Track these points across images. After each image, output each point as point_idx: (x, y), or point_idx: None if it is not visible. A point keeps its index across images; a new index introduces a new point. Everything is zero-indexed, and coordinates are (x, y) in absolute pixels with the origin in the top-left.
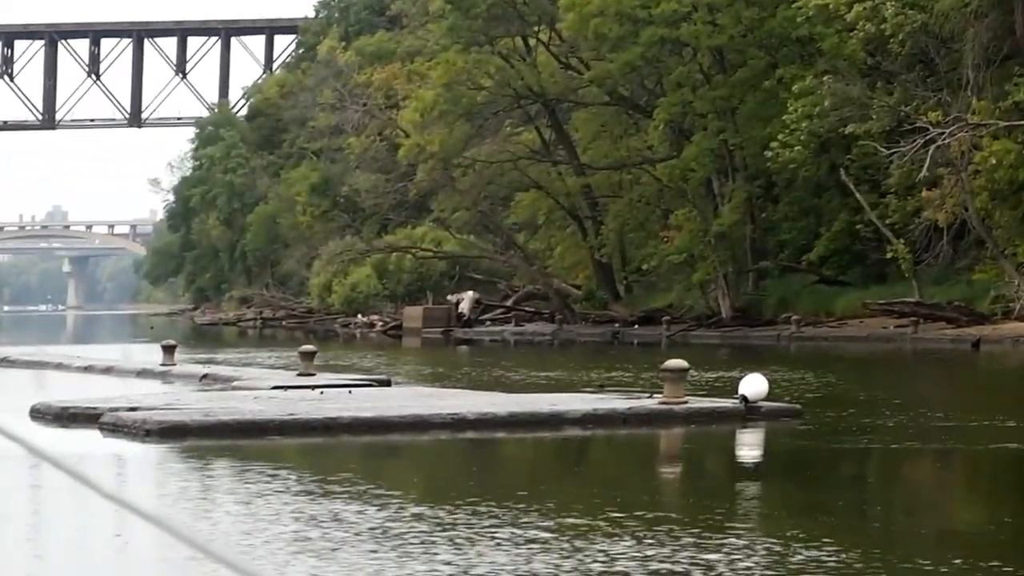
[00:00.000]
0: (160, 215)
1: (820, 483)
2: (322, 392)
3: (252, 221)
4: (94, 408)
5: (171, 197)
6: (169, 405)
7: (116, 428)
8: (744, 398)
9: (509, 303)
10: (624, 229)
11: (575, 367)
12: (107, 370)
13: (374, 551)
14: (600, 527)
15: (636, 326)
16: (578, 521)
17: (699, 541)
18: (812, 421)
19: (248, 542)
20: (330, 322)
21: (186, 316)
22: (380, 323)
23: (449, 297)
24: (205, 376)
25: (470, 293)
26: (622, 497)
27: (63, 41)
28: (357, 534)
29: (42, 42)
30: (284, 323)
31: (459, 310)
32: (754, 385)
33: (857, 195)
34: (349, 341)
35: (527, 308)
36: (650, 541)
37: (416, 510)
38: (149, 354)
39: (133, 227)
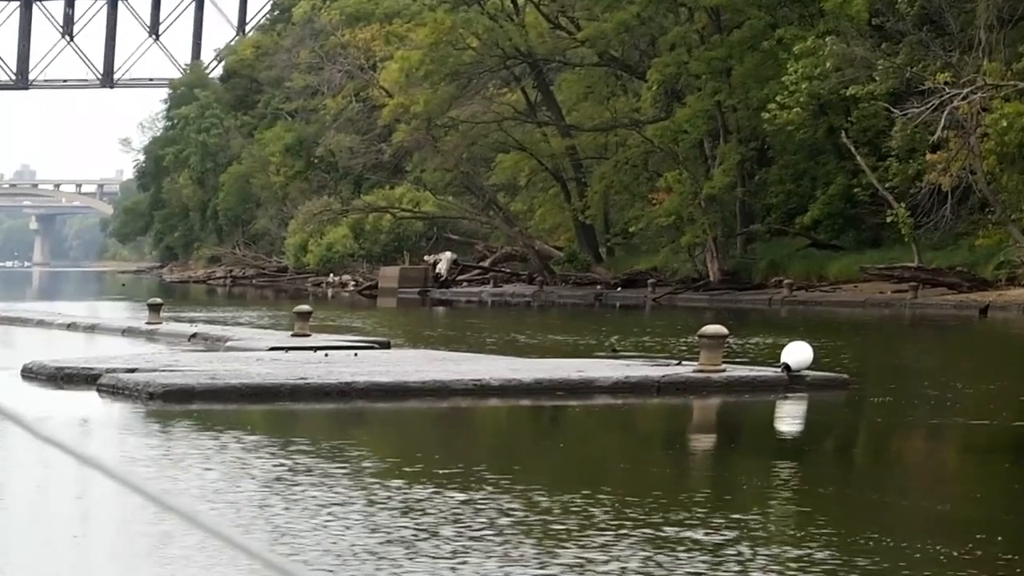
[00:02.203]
0: (127, 175)
1: (876, 464)
2: (326, 355)
3: (225, 180)
4: (90, 368)
5: (141, 157)
6: (169, 367)
7: (116, 390)
8: (786, 367)
9: (486, 264)
10: (609, 191)
11: (574, 330)
12: (91, 328)
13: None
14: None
15: (619, 289)
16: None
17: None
18: (858, 392)
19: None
20: (301, 281)
21: (154, 274)
22: (353, 283)
23: (426, 258)
24: (194, 335)
25: (448, 254)
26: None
27: (38, 3)
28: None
29: (17, 3)
30: (254, 282)
31: (436, 271)
32: (798, 353)
33: (858, 157)
34: (321, 300)
35: (504, 269)
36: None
37: (461, 496)
38: (129, 311)
39: (100, 186)
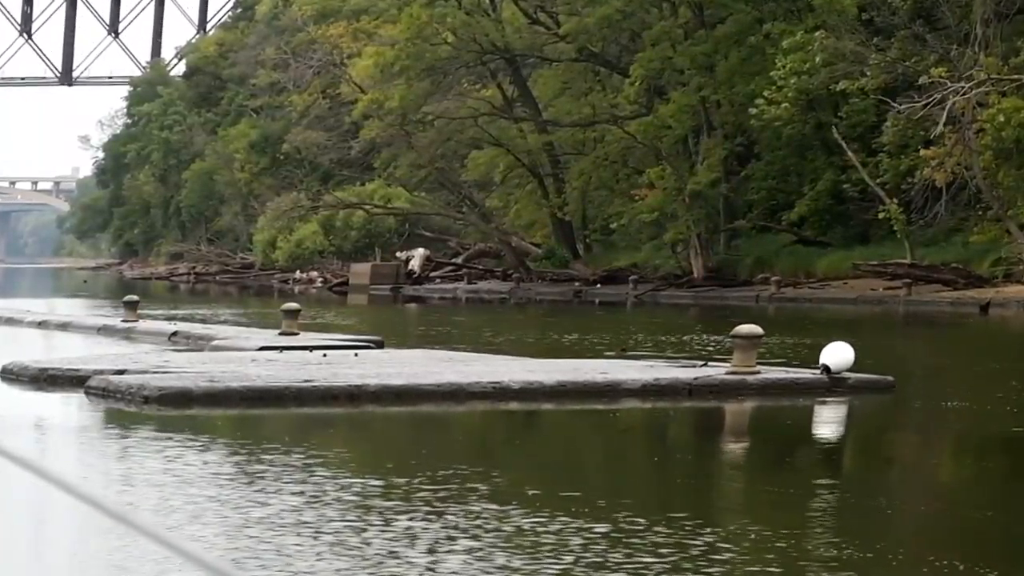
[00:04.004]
0: (83, 173)
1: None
2: (325, 354)
3: (188, 177)
4: (76, 370)
5: (101, 154)
6: (160, 368)
7: (107, 393)
8: (826, 368)
9: (460, 260)
10: (588, 188)
11: (566, 328)
12: (64, 326)
13: None
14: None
15: (598, 285)
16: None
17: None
18: (902, 396)
19: None
20: (266, 278)
21: (112, 270)
22: (320, 279)
23: (399, 254)
24: (175, 334)
25: (421, 250)
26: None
27: None
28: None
29: None
30: (217, 278)
31: (409, 267)
32: (838, 353)
33: (849, 153)
34: (288, 297)
35: (478, 266)
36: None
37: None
38: (99, 309)
39: (57, 184)
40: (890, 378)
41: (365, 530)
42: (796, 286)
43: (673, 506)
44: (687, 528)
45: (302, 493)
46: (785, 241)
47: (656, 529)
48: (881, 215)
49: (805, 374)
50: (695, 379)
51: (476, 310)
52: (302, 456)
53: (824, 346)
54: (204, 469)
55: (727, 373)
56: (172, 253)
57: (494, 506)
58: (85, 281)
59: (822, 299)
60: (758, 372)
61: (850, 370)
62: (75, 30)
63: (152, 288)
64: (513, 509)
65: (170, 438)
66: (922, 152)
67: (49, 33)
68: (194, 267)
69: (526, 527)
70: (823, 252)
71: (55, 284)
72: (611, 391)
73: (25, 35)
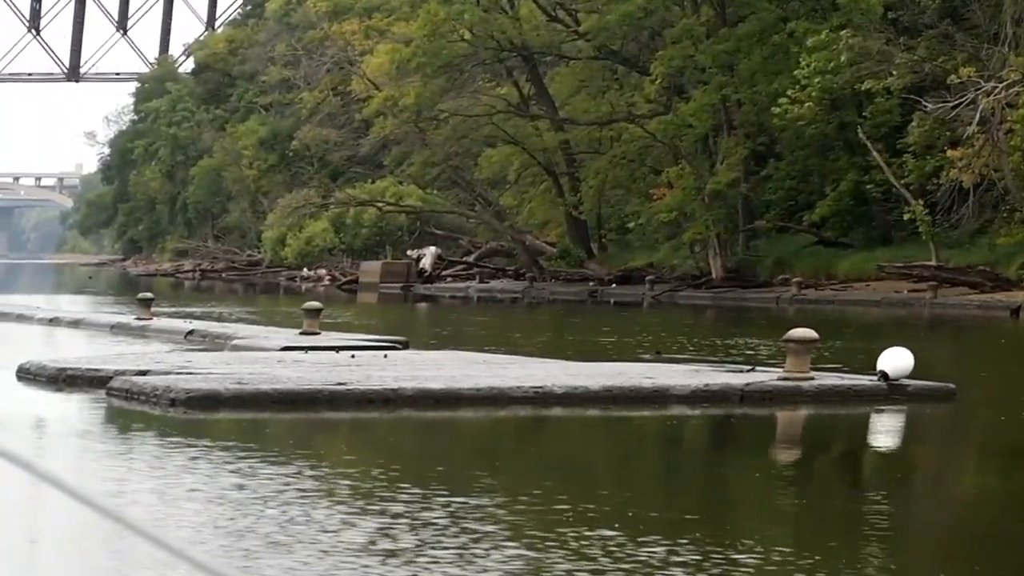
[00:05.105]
0: (87, 169)
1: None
2: (352, 355)
3: (196, 174)
4: (96, 370)
5: (107, 150)
6: (183, 368)
7: (130, 395)
8: (884, 374)
9: (471, 259)
10: (604, 187)
11: (590, 329)
12: (75, 323)
13: None
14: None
15: (613, 285)
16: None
17: None
18: (964, 404)
19: None
20: (272, 275)
21: (116, 267)
22: (328, 277)
23: (409, 252)
24: (191, 332)
25: (432, 248)
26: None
27: None
28: None
29: None
30: (223, 275)
31: (420, 266)
32: (896, 359)
33: (875, 153)
34: (295, 295)
35: (489, 265)
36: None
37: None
38: (108, 305)
39: (60, 180)
40: (951, 386)
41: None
42: (817, 288)
43: (746, 526)
44: (753, 547)
45: (388, 513)
46: (805, 242)
47: (728, 553)
48: (906, 216)
49: (862, 380)
50: (746, 385)
51: (491, 310)
52: (372, 468)
53: (881, 352)
54: (269, 485)
55: (780, 378)
56: (177, 250)
57: (584, 529)
58: (90, 277)
59: (845, 301)
60: (812, 378)
61: (908, 377)
62: (83, 26)
63: (156, 285)
64: (613, 535)
65: (211, 447)
66: (949, 153)
67: (57, 29)
68: (199, 264)
69: (632, 555)
70: (844, 253)
71: (59, 280)
72: (659, 397)
73: (33, 31)
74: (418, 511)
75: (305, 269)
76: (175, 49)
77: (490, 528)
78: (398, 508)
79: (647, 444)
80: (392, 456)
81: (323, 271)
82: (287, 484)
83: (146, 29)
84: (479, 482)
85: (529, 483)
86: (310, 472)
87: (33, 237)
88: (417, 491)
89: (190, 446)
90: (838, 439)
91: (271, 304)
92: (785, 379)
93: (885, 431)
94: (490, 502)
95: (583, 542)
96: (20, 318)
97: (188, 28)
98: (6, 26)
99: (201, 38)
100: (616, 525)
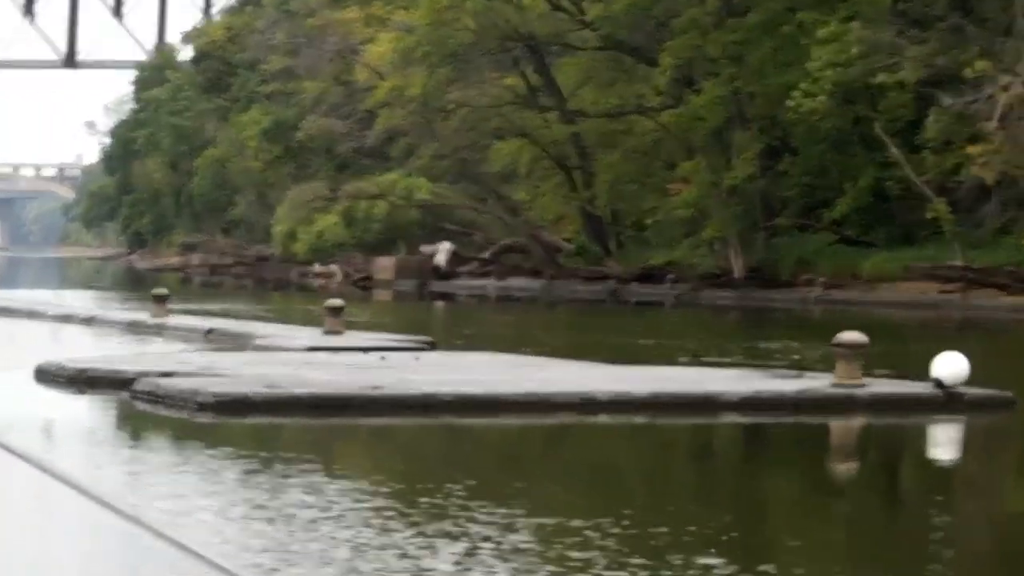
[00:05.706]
0: (87, 159)
1: None
2: (383, 357)
3: (200, 165)
4: (118, 371)
5: (108, 140)
6: (208, 369)
7: (156, 399)
8: (939, 382)
9: (487, 256)
10: (618, 182)
11: (622, 330)
12: (89, 320)
13: None
14: None
15: (635, 284)
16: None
17: None
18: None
19: None
20: (283, 271)
21: (121, 261)
22: (340, 273)
23: (423, 248)
24: (211, 331)
25: (446, 244)
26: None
27: None
28: None
29: None
30: (233, 270)
31: (435, 262)
32: (951, 365)
33: (893, 149)
34: (309, 292)
35: (505, 262)
36: None
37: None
38: (119, 302)
39: (61, 170)
40: (1009, 394)
41: None
42: (843, 287)
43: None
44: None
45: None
46: (827, 240)
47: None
48: (929, 215)
49: (917, 387)
50: (800, 392)
51: (512, 308)
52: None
53: (930, 356)
54: (341, 505)
55: (832, 385)
56: (184, 244)
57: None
58: (97, 272)
59: (872, 302)
60: (864, 385)
61: (964, 384)
62: (78, 12)
63: (164, 280)
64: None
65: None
66: (968, 149)
67: (52, 15)
68: (208, 259)
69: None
70: (867, 252)
71: (65, 275)
72: (709, 404)
73: (28, 17)
74: (502, 533)
75: (317, 264)
76: (172, 36)
77: (592, 553)
78: (479, 529)
79: (718, 456)
80: (454, 467)
81: (335, 266)
82: (357, 501)
83: (142, 15)
84: (556, 499)
85: (617, 502)
86: (370, 487)
87: (35, 229)
88: (499, 510)
89: (242, 456)
90: (902, 451)
91: (286, 301)
92: (837, 386)
93: (947, 443)
94: (584, 523)
95: (691, 571)
96: (32, 315)
97: (186, 14)
98: (2, 13)
99: (200, 25)
100: (712, 550)
